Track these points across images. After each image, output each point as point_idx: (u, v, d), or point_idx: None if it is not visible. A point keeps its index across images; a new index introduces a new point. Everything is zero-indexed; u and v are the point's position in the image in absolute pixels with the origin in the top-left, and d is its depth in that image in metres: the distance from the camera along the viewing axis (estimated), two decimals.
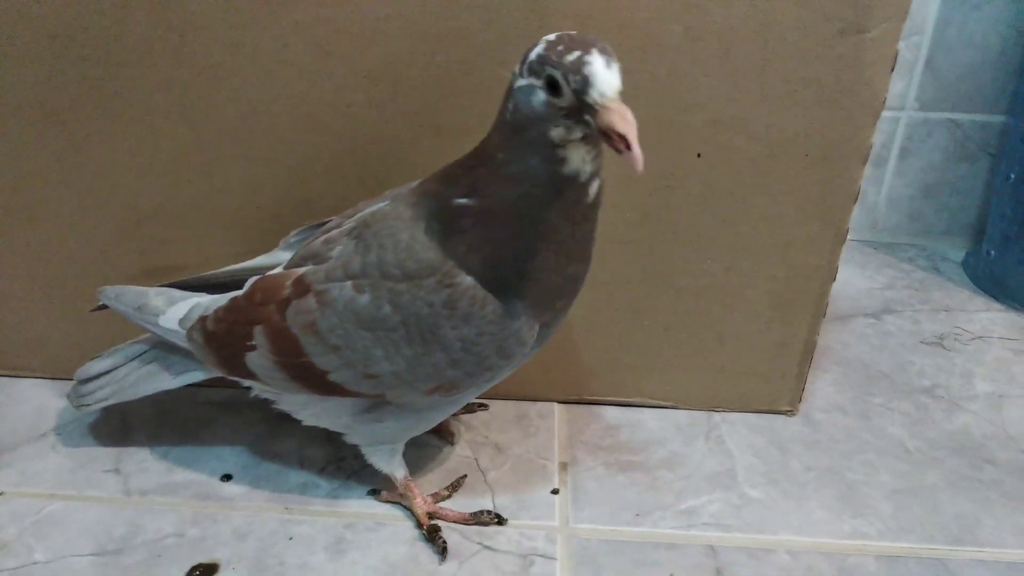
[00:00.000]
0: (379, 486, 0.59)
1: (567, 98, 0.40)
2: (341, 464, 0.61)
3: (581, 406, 0.68)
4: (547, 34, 0.41)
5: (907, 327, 0.81)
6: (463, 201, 0.45)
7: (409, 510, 0.57)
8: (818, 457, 0.64)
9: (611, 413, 0.68)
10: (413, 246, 0.47)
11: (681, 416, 0.68)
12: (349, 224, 0.51)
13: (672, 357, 0.66)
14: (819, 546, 0.56)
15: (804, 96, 0.56)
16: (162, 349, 0.59)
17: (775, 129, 0.57)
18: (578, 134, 0.41)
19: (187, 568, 0.53)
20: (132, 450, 0.63)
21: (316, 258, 0.51)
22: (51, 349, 0.69)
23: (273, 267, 0.55)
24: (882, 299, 0.86)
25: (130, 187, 0.61)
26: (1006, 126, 0.88)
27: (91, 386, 0.60)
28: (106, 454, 0.62)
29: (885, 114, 0.58)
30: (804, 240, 0.61)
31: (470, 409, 0.67)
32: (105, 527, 0.56)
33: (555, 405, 0.68)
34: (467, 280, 0.46)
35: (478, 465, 0.62)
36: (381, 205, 0.51)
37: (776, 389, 0.67)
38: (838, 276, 0.62)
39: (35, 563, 0.53)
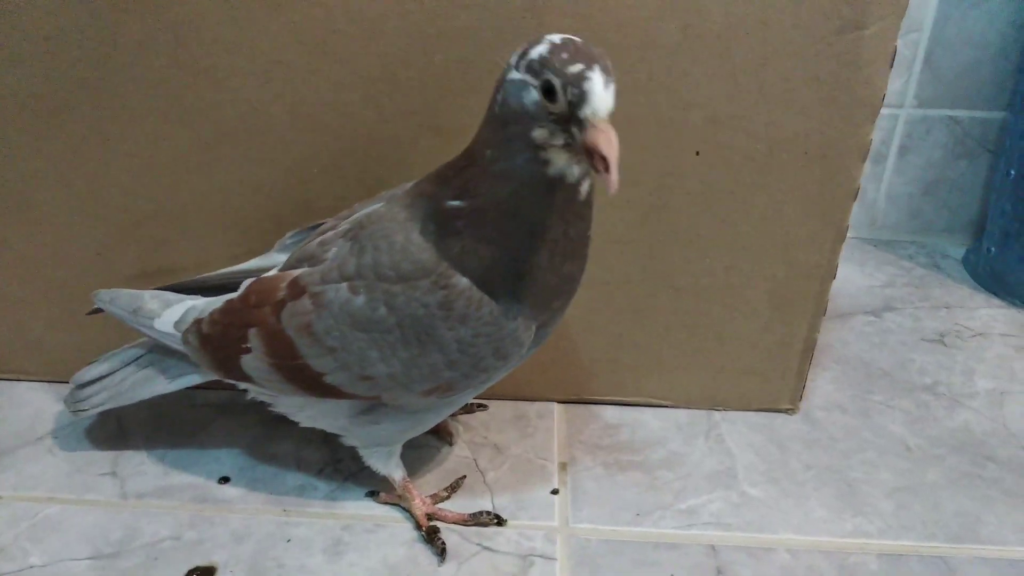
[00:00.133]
0: (377, 488, 0.59)
1: (560, 106, 0.40)
2: (339, 466, 0.61)
3: (580, 406, 0.68)
4: (550, 33, 0.41)
5: (907, 324, 0.81)
6: (455, 203, 0.45)
7: (408, 511, 0.57)
8: (818, 455, 0.64)
9: (610, 413, 0.68)
10: (408, 247, 0.46)
11: (681, 415, 0.67)
12: (344, 226, 0.51)
13: (672, 356, 0.66)
14: (820, 545, 0.56)
15: (803, 94, 0.56)
16: (158, 353, 0.58)
17: (774, 127, 0.57)
18: (560, 140, 0.41)
19: (184, 571, 0.53)
20: (129, 453, 0.62)
21: (311, 260, 0.51)
22: (48, 352, 0.68)
23: (269, 269, 0.55)
24: (882, 297, 0.85)
25: (127, 189, 0.61)
26: (1005, 122, 0.88)
27: (88, 391, 0.60)
28: (103, 457, 0.62)
29: (884, 111, 0.57)
30: (804, 238, 0.61)
31: (469, 409, 0.67)
32: (102, 531, 0.56)
33: (554, 405, 0.68)
34: (462, 281, 0.45)
35: (477, 465, 0.62)
36: (376, 207, 0.51)
37: (776, 388, 0.67)
38: (838, 274, 0.62)
39: (32, 567, 0.53)
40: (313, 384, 0.51)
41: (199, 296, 0.56)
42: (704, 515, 0.58)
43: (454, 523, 0.56)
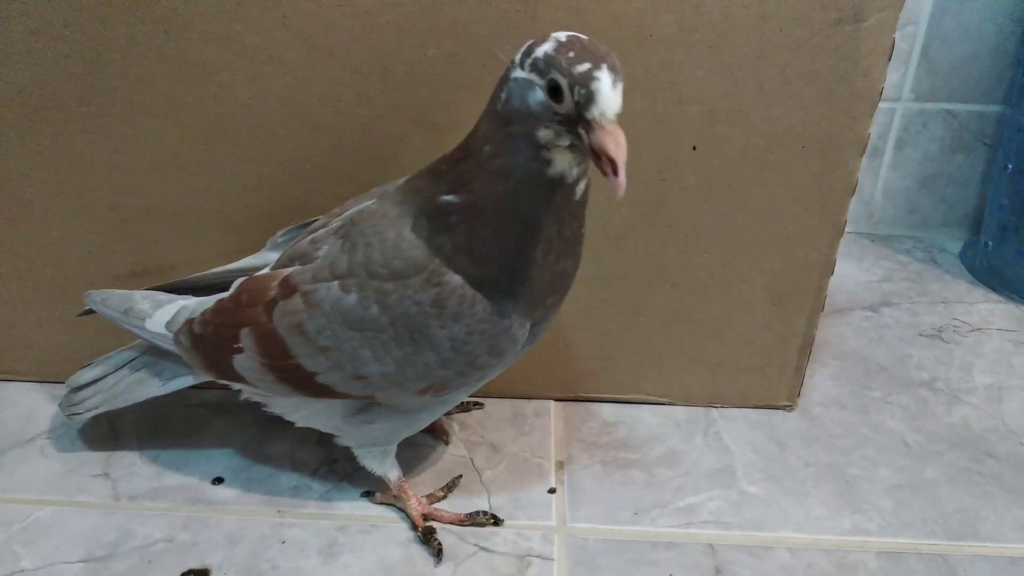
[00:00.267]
0: (373, 488, 0.58)
1: (567, 107, 0.39)
2: (334, 466, 0.61)
3: (577, 404, 0.68)
4: (556, 31, 0.40)
5: (905, 320, 0.80)
6: (449, 198, 0.45)
7: (404, 512, 0.57)
8: (817, 452, 0.63)
9: (608, 410, 0.67)
10: (400, 244, 0.46)
11: (679, 412, 0.67)
12: (336, 223, 0.51)
13: (669, 353, 0.65)
14: (819, 543, 0.55)
15: (801, 87, 0.55)
16: (152, 355, 0.58)
17: (771, 121, 0.56)
18: (566, 141, 0.40)
19: (178, 574, 0.52)
20: (121, 454, 0.62)
21: (303, 258, 0.50)
22: (39, 352, 0.68)
23: (260, 268, 0.54)
24: (880, 292, 0.85)
25: (116, 186, 0.60)
26: (1003, 116, 0.87)
27: (82, 394, 0.60)
28: (95, 458, 0.61)
29: (881, 105, 0.57)
30: (801, 233, 0.60)
31: (465, 408, 0.66)
32: (94, 533, 0.55)
33: (551, 403, 0.68)
34: (455, 279, 0.45)
35: (473, 464, 0.61)
36: (368, 203, 0.50)
37: (774, 384, 0.66)
38: (835, 269, 0.61)
39: (23, 571, 0.52)
40: (306, 384, 0.50)
41: (191, 296, 0.56)
42: (703, 513, 0.57)
43: (450, 523, 0.56)
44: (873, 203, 0.95)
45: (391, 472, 0.56)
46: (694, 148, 0.58)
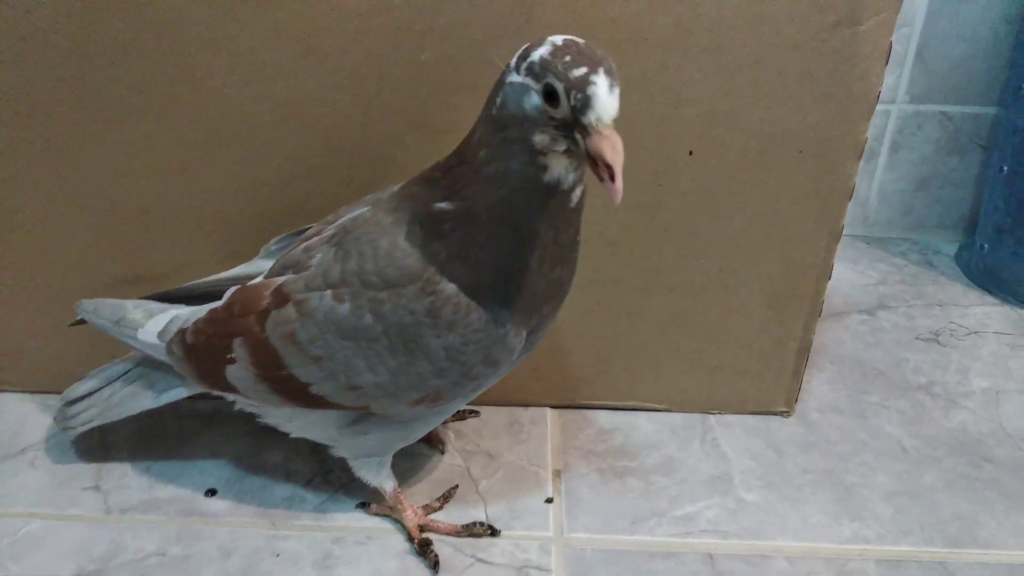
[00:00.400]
0: (368, 499, 0.58)
1: (563, 111, 0.38)
2: (328, 477, 0.60)
3: (573, 411, 0.67)
4: (553, 35, 0.40)
5: (901, 323, 0.80)
6: (443, 205, 0.44)
7: (400, 523, 0.56)
8: (815, 459, 0.63)
9: (604, 417, 0.67)
10: (393, 253, 0.45)
11: (675, 419, 0.67)
12: (329, 231, 0.50)
13: (666, 358, 0.65)
14: (818, 551, 0.55)
15: (798, 90, 0.55)
16: (146, 367, 0.57)
17: (768, 124, 0.56)
18: (562, 146, 0.40)
19: None
20: (113, 465, 0.61)
21: (296, 267, 0.50)
22: (29, 361, 0.67)
23: (253, 276, 0.54)
24: (876, 295, 0.85)
25: (107, 192, 0.59)
26: (998, 118, 0.87)
27: (76, 408, 0.59)
28: (86, 470, 0.60)
29: (876, 107, 0.57)
30: (799, 237, 0.60)
31: (461, 416, 0.66)
32: (85, 546, 0.54)
33: (547, 410, 0.67)
34: (449, 287, 0.44)
35: (469, 474, 0.61)
36: (361, 211, 0.50)
37: (772, 390, 0.66)
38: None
39: None
40: (299, 395, 0.50)
41: (183, 305, 0.55)
42: (701, 522, 0.57)
43: (447, 534, 0.55)
44: (868, 205, 0.95)
45: (387, 483, 0.55)
46: (691, 153, 0.57)
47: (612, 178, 0.37)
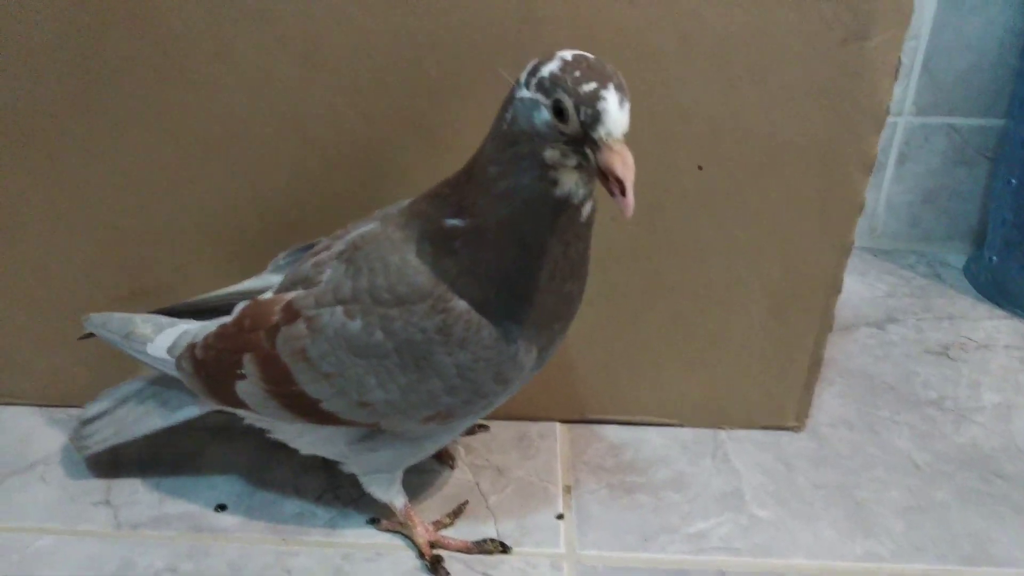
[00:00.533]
0: (378, 514, 0.58)
1: (573, 127, 0.38)
2: (338, 492, 0.60)
3: (583, 425, 0.67)
4: (561, 49, 0.40)
5: (911, 336, 0.80)
6: (454, 222, 0.44)
7: (410, 539, 0.56)
8: (826, 474, 0.63)
9: (613, 432, 0.66)
10: (404, 270, 0.45)
11: (686, 434, 0.66)
12: (339, 246, 0.50)
13: (674, 373, 0.65)
14: (831, 569, 0.55)
15: (806, 105, 0.55)
16: (159, 385, 0.57)
17: (776, 138, 0.56)
18: (572, 161, 0.40)
19: None
20: (123, 480, 0.61)
21: (306, 282, 0.50)
22: (36, 375, 0.67)
23: (262, 291, 0.54)
24: (884, 308, 0.84)
25: (113, 205, 0.59)
26: (1005, 130, 0.87)
27: (91, 428, 0.59)
28: (96, 485, 0.60)
29: (885, 121, 0.57)
30: (808, 251, 0.60)
31: (470, 430, 0.66)
32: (95, 563, 0.54)
33: (556, 425, 0.67)
34: (461, 304, 0.44)
35: (479, 489, 0.60)
36: (371, 226, 0.50)
37: (782, 404, 0.66)
38: None
39: None
40: (310, 411, 0.49)
41: (192, 319, 0.55)
42: (713, 539, 0.57)
43: (458, 551, 0.55)
44: (875, 217, 0.95)
45: (397, 499, 0.55)
46: (700, 168, 0.57)
47: (623, 192, 0.37)
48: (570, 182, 0.41)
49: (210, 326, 0.52)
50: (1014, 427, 0.68)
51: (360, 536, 0.57)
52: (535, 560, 0.55)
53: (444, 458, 0.63)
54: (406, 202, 0.50)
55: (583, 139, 0.38)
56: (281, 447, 0.55)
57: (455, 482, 0.61)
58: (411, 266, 0.45)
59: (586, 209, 0.43)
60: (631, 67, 0.53)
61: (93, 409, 0.59)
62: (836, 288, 0.61)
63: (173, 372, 0.53)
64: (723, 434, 0.66)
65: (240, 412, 0.53)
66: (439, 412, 0.48)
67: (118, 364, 0.59)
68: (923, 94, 0.88)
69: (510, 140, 0.41)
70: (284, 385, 0.49)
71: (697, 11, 0.52)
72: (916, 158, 0.91)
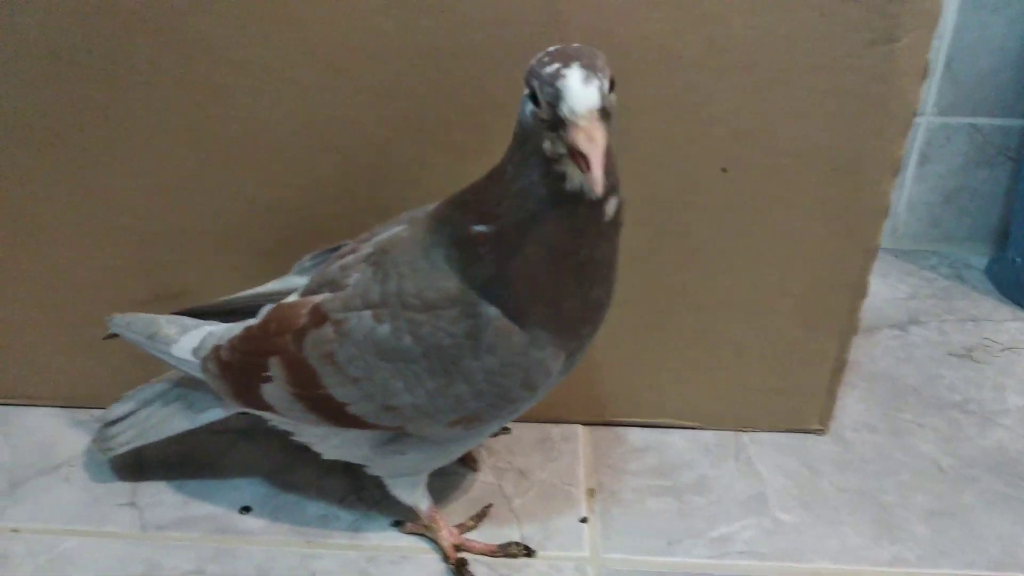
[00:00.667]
0: (402, 517, 0.58)
1: (545, 111, 0.38)
2: (361, 494, 0.60)
3: (605, 428, 0.67)
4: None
5: (934, 338, 0.79)
6: (479, 228, 0.44)
7: (434, 542, 0.56)
8: (850, 478, 0.62)
9: (636, 435, 0.66)
10: (433, 275, 0.45)
11: (708, 437, 0.66)
12: (366, 249, 0.50)
13: (696, 376, 0.65)
14: (858, 574, 0.54)
15: (832, 108, 0.54)
16: (183, 387, 0.57)
17: (801, 142, 0.56)
18: (562, 149, 0.39)
19: None
20: (148, 482, 0.61)
21: (332, 285, 0.50)
22: (61, 377, 0.67)
23: (287, 292, 0.54)
24: (906, 309, 0.84)
25: (136, 210, 0.60)
26: None
27: (115, 429, 0.59)
28: (121, 487, 0.61)
29: (912, 124, 0.56)
30: (832, 255, 0.59)
31: (493, 433, 0.66)
32: (121, 564, 0.54)
33: (578, 427, 0.67)
34: (490, 310, 0.44)
35: (502, 492, 0.60)
36: (398, 230, 0.49)
37: (805, 408, 0.65)
38: None
39: None
40: (336, 414, 0.50)
41: (217, 321, 0.55)
42: (737, 543, 0.56)
43: (482, 554, 0.55)
44: (897, 218, 0.94)
45: (422, 502, 0.55)
46: (724, 170, 0.57)
47: (589, 167, 0.36)
48: (578, 174, 0.40)
49: (235, 328, 0.52)
50: None
51: (384, 539, 0.57)
52: (560, 564, 0.55)
53: (467, 461, 0.63)
54: (432, 206, 0.49)
55: (557, 123, 0.38)
56: (303, 449, 0.55)
57: (478, 485, 0.61)
58: (439, 271, 0.45)
59: (609, 208, 0.43)
60: (657, 72, 0.54)
61: (116, 411, 0.59)
62: (861, 292, 0.61)
63: (198, 374, 0.53)
64: (746, 437, 0.66)
65: (265, 415, 0.54)
66: (466, 416, 0.48)
67: (141, 365, 0.60)
68: (945, 94, 0.87)
69: (520, 139, 0.42)
70: (311, 388, 0.49)
71: (722, 16, 0.52)
72: (938, 158, 0.91)
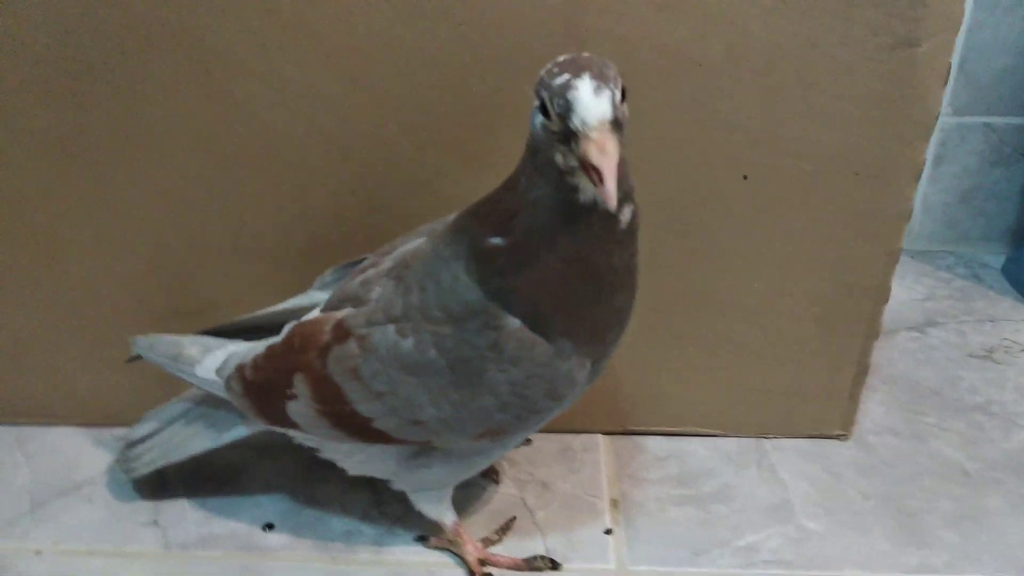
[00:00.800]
0: (425, 531, 0.57)
1: (555, 123, 0.38)
2: (384, 509, 0.60)
3: (625, 437, 0.66)
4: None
5: (953, 340, 0.79)
6: (495, 241, 0.44)
7: (459, 557, 0.55)
8: (874, 484, 0.62)
9: (657, 444, 0.66)
10: (455, 287, 0.45)
11: (730, 444, 0.66)
12: (387, 264, 0.50)
13: (717, 383, 0.64)
14: None
15: (853, 113, 0.54)
16: (205, 406, 0.57)
17: (823, 147, 0.55)
18: (574, 161, 0.38)
19: None
20: (170, 500, 0.61)
21: (354, 300, 0.49)
22: (81, 395, 0.67)
23: (309, 308, 0.53)
24: (924, 311, 0.83)
25: (157, 226, 0.60)
26: None
27: (138, 450, 0.59)
28: (144, 506, 0.60)
29: (934, 127, 0.56)
30: (854, 259, 0.59)
31: None
32: None
33: (599, 437, 0.66)
34: (513, 322, 0.44)
35: (525, 504, 0.60)
36: (418, 242, 0.49)
37: (827, 413, 0.65)
38: None
39: None
40: (361, 430, 0.49)
41: (240, 340, 0.55)
42: (763, 552, 0.56)
43: (508, 568, 0.55)
44: (912, 219, 0.94)
45: (446, 516, 0.55)
46: (745, 177, 0.57)
47: (602, 181, 0.36)
48: (590, 187, 0.39)
49: (258, 347, 0.52)
50: None
51: (408, 553, 0.56)
52: None
53: (488, 473, 0.63)
54: (451, 217, 0.49)
55: (568, 135, 0.37)
56: (324, 464, 0.55)
57: (500, 497, 0.61)
58: (462, 283, 0.45)
59: (625, 214, 0.42)
60: (676, 79, 0.54)
61: (139, 431, 0.59)
62: (884, 295, 0.60)
63: (222, 393, 0.53)
64: (767, 443, 0.66)
65: (290, 432, 0.53)
66: (491, 429, 0.47)
67: (163, 384, 0.59)
68: (959, 94, 0.87)
69: (532, 150, 0.41)
70: (336, 404, 0.49)
71: (742, 22, 0.52)
72: (953, 158, 0.90)
